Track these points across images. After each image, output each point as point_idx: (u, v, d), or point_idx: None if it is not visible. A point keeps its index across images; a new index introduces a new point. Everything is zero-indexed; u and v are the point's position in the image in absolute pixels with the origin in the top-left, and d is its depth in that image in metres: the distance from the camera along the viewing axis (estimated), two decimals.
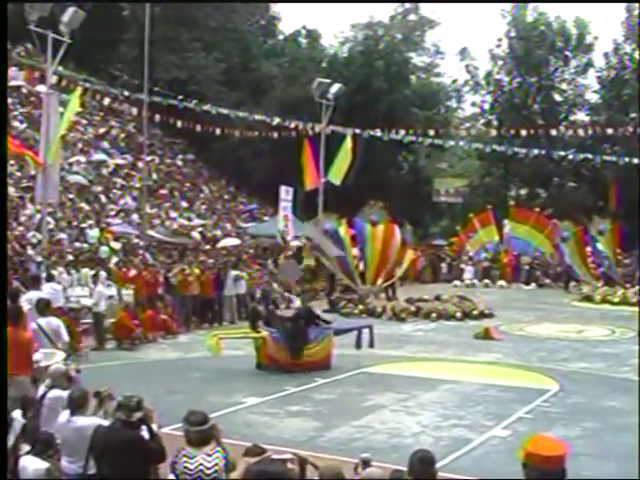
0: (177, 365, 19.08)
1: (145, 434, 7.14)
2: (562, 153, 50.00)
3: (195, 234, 37.77)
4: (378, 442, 12.25)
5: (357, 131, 41.98)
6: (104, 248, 28.73)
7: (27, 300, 17.27)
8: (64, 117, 24.71)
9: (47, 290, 18.11)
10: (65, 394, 8.60)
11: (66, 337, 12.94)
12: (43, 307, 13.23)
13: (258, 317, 19.07)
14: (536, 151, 46.64)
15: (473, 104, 66.63)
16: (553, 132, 47.17)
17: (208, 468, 6.69)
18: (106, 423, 7.50)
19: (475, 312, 28.71)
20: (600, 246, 40.13)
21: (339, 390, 16.30)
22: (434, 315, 28.15)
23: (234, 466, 6.96)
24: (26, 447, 7.51)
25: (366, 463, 7.06)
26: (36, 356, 11.14)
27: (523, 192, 60.88)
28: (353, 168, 38.91)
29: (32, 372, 10.83)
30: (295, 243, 36.35)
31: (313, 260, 32.38)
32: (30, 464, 7.42)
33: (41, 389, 9.23)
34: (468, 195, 61.11)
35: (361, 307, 29.44)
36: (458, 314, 28.27)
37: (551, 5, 59.17)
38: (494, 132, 52.37)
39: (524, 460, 4.96)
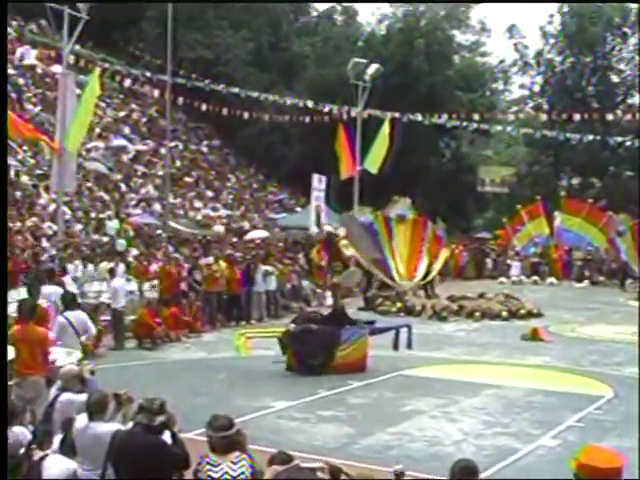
0: (201, 366, 19.13)
1: (167, 439, 7.15)
2: (619, 139, 49.68)
3: (217, 227, 37.76)
4: (416, 451, 12.22)
5: (396, 115, 41.88)
6: (121, 241, 28.87)
7: (45, 295, 17.53)
8: (83, 100, 24.78)
9: (49, 292, 18.19)
10: (78, 397, 8.66)
11: (94, 329, 13.58)
12: (70, 300, 13.70)
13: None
14: (590, 137, 46.30)
15: (521, 86, 66.38)
16: (609, 116, 46.88)
17: (233, 477, 6.68)
18: (125, 428, 7.52)
19: (522, 311, 28.57)
20: None
21: (374, 394, 16.27)
22: (478, 314, 28.06)
23: (261, 475, 6.97)
24: (39, 452, 7.56)
25: (400, 475, 7.00)
26: (53, 355, 11.24)
27: (575, 182, 60.53)
28: (390, 155, 38.83)
29: (47, 372, 10.88)
30: (328, 228, 36.31)
31: (349, 251, 32.27)
32: (55, 464, 7.46)
33: (53, 391, 9.28)
34: (515, 185, 60.88)
35: (399, 305, 29.40)
36: (504, 313, 28.16)
37: None
38: (544, 116, 52.15)
39: (576, 472, 4.92)
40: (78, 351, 12.06)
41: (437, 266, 31.28)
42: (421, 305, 29.20)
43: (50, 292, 18.07)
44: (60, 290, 18.44)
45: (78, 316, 13.15)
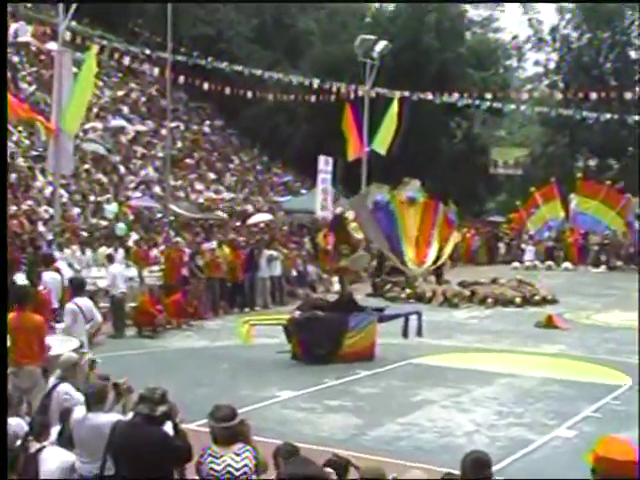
0: (203, 355, 19.16)
1: (169, 430, 7.14)
2: (637, 118, 49.36)
3: (219, 212, 37.76)
4: (426, 442, 12.23)
5: (405, 94, 41.77)
6: (121, 225, 28.89)
7: (44, 282, 17.56)
8: (80, 79, 24.78)
9: (47, 278, 18.23)
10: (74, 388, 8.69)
11: (99, 317, 13.67)
12: (79, 286, 13.73)
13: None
14: (607, 116, 46.16)
15: (536, 63, 66.11)
16: (627, 95, 46.55)
17: (236, 469, 6.68)
18: (126, 419, 7.50)
19: (536, 298, 28.57)
20: None
21: (383, 383, 16.28)
22: (490, 300, 28.05)
23: (265, 467, 6.97)
24: (36, 444, 7.56)
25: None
26: (49, 342, 11.25)
27: (592, 163, 60.41)
28: (399, 136, 38.76)
29: (44, 361, 10.89)
30: (337, 209, 36.28)
31: (359, 234, 32.19)
32: (53, 456, 7.47)
33: (51, 381, 9.27)
34: (529, 166, 60.75)
35: (408, 291, 29.40)
36: (517, 300, 28.16)
37: None
38: (560, 95, 51.96)
39: (593, 465, 4.90)
40: (76, 339, 12.08)
41: (448, 251, 31.22)
42: (431, 291, 29.20)
43: (48, 279, 18.13)
44: (58, 276, 18.50)
45: (85, 303, 13.21)
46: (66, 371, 9.08)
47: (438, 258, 30.54)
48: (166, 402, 7.06)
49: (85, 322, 12.85)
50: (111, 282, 21.23)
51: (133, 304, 21.86)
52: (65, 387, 8.91)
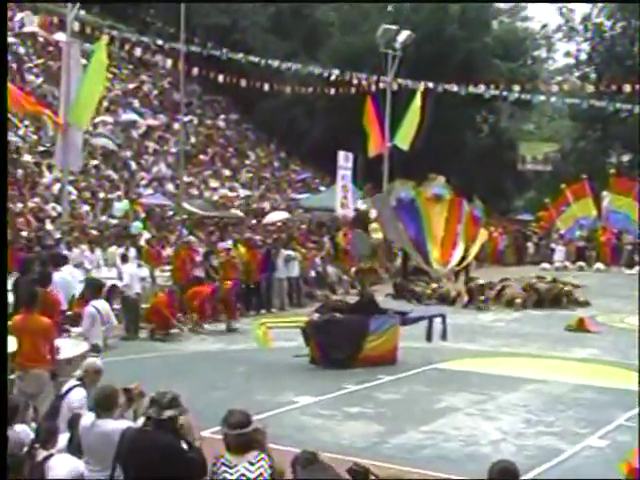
0: (219, 358, 19.19)
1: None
2: None
3: (234, 210, 37.80)
4: (451, 451, 12.20)
5: (429, 86, 41.68)
6: (136, 223, 28.97)
7: (54, 283, 17.55)
8: (89, 71, 24.81)
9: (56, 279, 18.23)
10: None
11: (115, 320, 13.94)
12: (97, 289, 13.97)
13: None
14: None
15: (567, 54, 65.95)
16: None
17: (251, 479, 6.65)
18: (136, 425, 7.47)
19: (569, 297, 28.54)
20: None
21: (406, 389, 16.27)
22: (518, 302, 27.99)
23: (282, 475, 6.94)
24: (43, 452, 7.56)
25: None
26: (59, 344, 11.26)
27: (625, 158, 60.16)
28: (423, 130, 38.70)
29: (52, 364, 10.89)
30: (359, 207, 36.39)
31: (378, 234, 32.28)
32: (61, 464, 7.46)
33: (69, 384, 9.18)
34: (559, 162, 60.60)
35: (431, 291, 29.35)
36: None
37: None
38: (591, 87, 51.65)
39: (626, 476, 4.88)
40: (86, 342, 12.12)
41: (474, 250, 31.17)
42: (456, 291, 29.16)
43: (58, 279, 18.10)
44: (68, 277, 18.53)
45: (103, 306, 13.37)
46: (87, 376, 9.01)
47: (464, 258, 30.52)
48: (176, 406, 6.97)
49: (102, 325, 12.97)
50: (127, 282, 21.29)
51: (145, 305, 21.90)
52: (81, 392, 8.86)
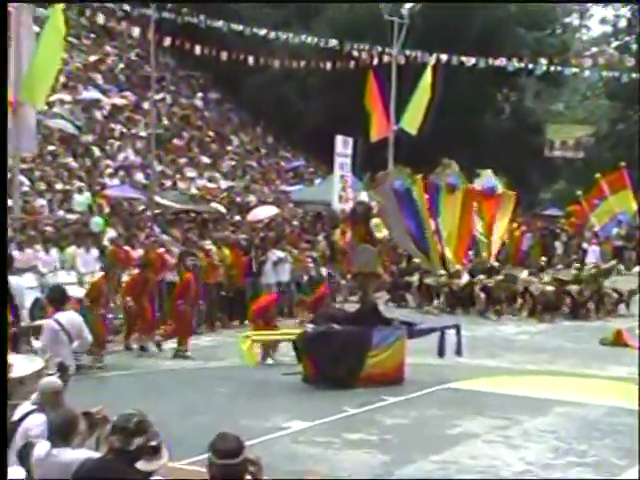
0: (198, 376, 19.25)
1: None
2: None
3: (215, 204, 37.78)
4: None
5: (441, 59, 41.71)
6: (97, 219, 28.96)
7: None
8: (44, 40, 24.76)
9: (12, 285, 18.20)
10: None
11: (90, 337, 13.45)
12: (60, 298, 13.63)
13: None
14: None
15: (602, 21, 65.97)
16: None
17: None
18: (96, 455, 7.40)
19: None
20: None
21: (414, 412, 16.33)
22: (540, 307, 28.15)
23: None
24: None
25: None
26: (10, 360, 11.23)
27: None
28: (433, 111, 38.75)
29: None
30: (364, 198, 36.34)
31: (382, 233, 32.35)
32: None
33: (22, 409, 9.07)
34: (593, 148, 60.63)
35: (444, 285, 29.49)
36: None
37: None
38: (632, 60, 51.71)
39: None
40: (40, 359, 12.08)
41: (500, 232, 31.29)
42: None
43: (13, 285, 17.98)
44: (22, 284, 18.54)
45: (70, 318, 13.12)
46: (44, 398, 8.93)
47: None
48: (143, 432, 6.87)
49: (69, 342, 12.79)
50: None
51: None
52: (39, 418, 8.75)
